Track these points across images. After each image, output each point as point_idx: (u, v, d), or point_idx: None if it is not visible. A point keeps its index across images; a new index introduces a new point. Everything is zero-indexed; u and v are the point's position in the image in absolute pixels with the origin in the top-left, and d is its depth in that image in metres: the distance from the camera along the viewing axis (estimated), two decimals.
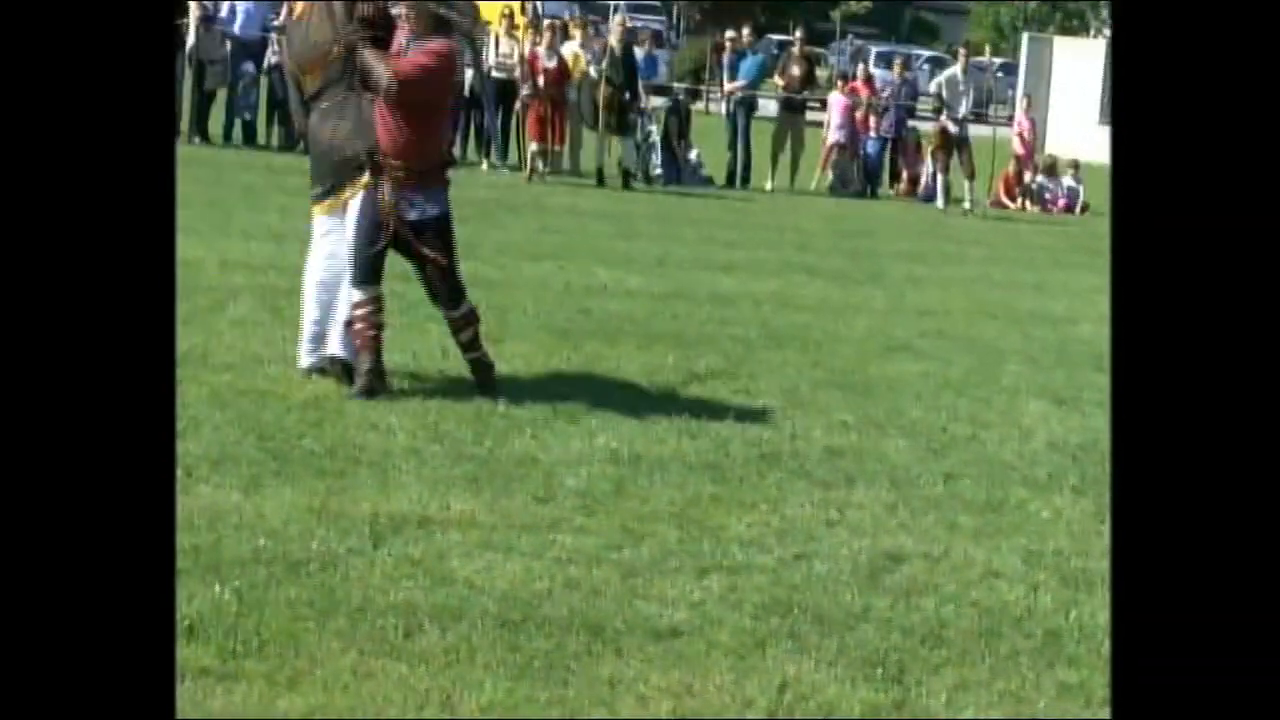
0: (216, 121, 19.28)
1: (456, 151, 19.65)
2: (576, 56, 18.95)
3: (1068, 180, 22.34)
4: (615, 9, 20.25)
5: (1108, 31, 36.76)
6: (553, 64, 18.42)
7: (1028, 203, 21.90)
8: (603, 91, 18.56)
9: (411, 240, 7.29)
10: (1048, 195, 22.17)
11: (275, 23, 19.20)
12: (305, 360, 7.53)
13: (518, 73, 18.83)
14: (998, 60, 37.25)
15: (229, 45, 19.24)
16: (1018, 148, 22.38)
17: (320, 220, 7.59)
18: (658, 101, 20.86)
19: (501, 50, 19.44)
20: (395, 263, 11.09)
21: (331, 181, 7.42)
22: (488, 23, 20.42)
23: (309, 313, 7.58)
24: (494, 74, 19.33)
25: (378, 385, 7.15)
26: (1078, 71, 35.07)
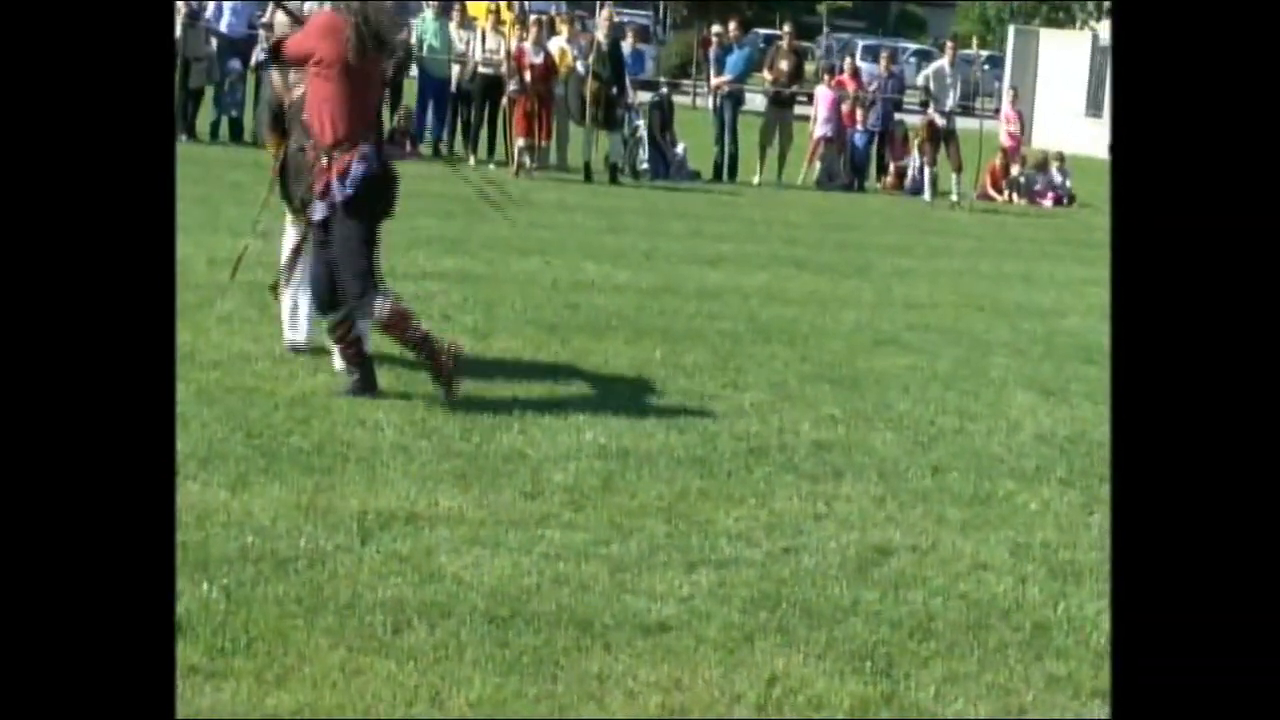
0: (204, 119, 19.25)
1: (443, 146, 19.74)
2: (563, 52, 18.95)
3: (1054, 174, 22.37)
4: (602, 4, 20.22)
5: (1093, 24, 36.80)
6: (539, 59, 18.41)
7: (1014, 195, 21.94)
8: (590, 86, 18.55)
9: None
10: (1036, 188, 22.20)
11: (263, 20, 19.17)
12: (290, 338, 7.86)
13: (504, 68, 18.82)
14: (984, 53, 37.29)
15: (214, 43, 19.22)
16: (1004, 140, 22.42)
17: (290, 228, 7.78)
18: (644, 96, 20.86)
19: (488, 46, 19.43)
20: (383, 259, 11.08)
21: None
22: (474, 18, 20.42)
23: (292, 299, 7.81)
24: (481, 69, 19.32)
25: (368, 386, 7.13)
26: (1064, 63, 35.14)
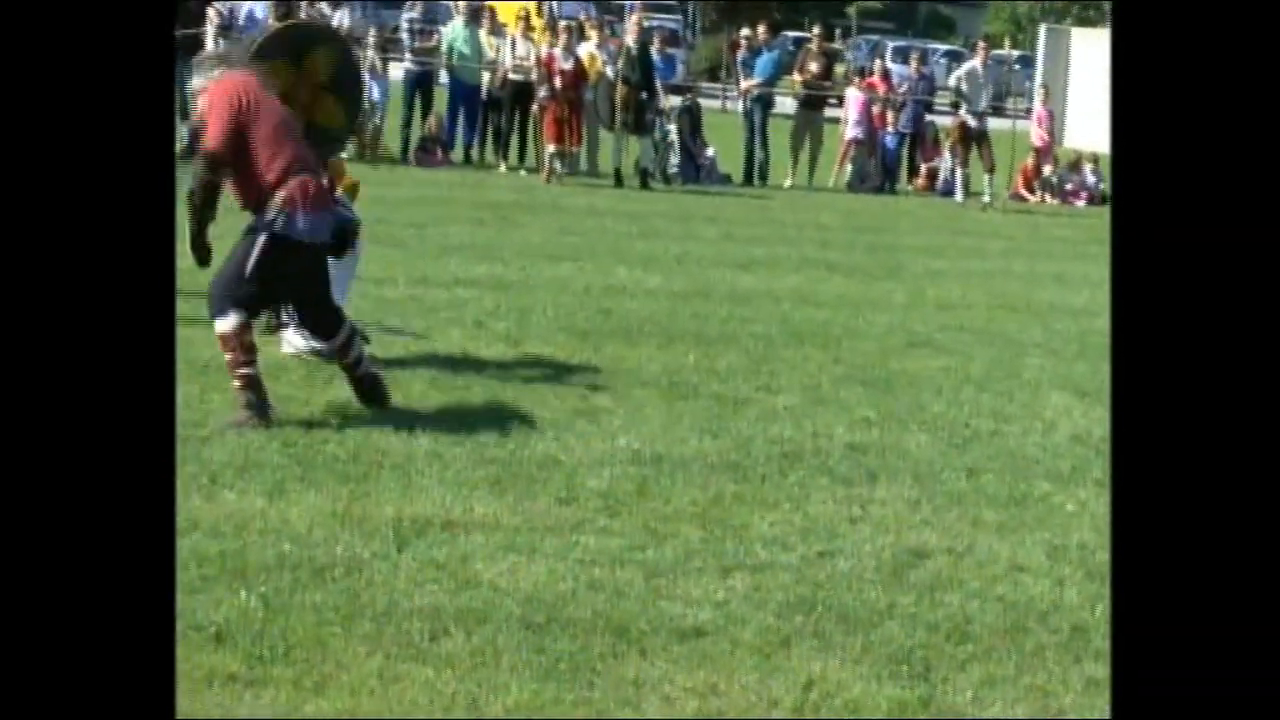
0: None
1: (474, 153, 19.79)
2: (593, 57, 18.97)
3: (1086, 174, 22.27)
4: (631, 9, 20.23)
5: None
6: (569, 65, 18.44)
7: (1047, 195, 21.85)
8: (620, 91, 18.57)
9: None
10: (1068, 188, 22.11)
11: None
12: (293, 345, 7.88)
13: (534, 74, 18.85)
14: (1015, 52, 37.17)
15: None
16: (1036, 140, 22.33)
17: None
18: (675, 100, 20.85)
19: (518, 52, 19.46)
20: (415, 267, 11.15)
21: None
22: (504, 25, 20.45)
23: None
24: (511, 76, 19.36)
25: (378, 400, 7.03)
26: (1095, 62, 34.95)
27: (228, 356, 6.69)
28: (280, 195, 6.63)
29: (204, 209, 6.81)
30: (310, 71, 7.67)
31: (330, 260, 7.12)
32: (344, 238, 7.00)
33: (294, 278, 6.85)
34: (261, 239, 6.65)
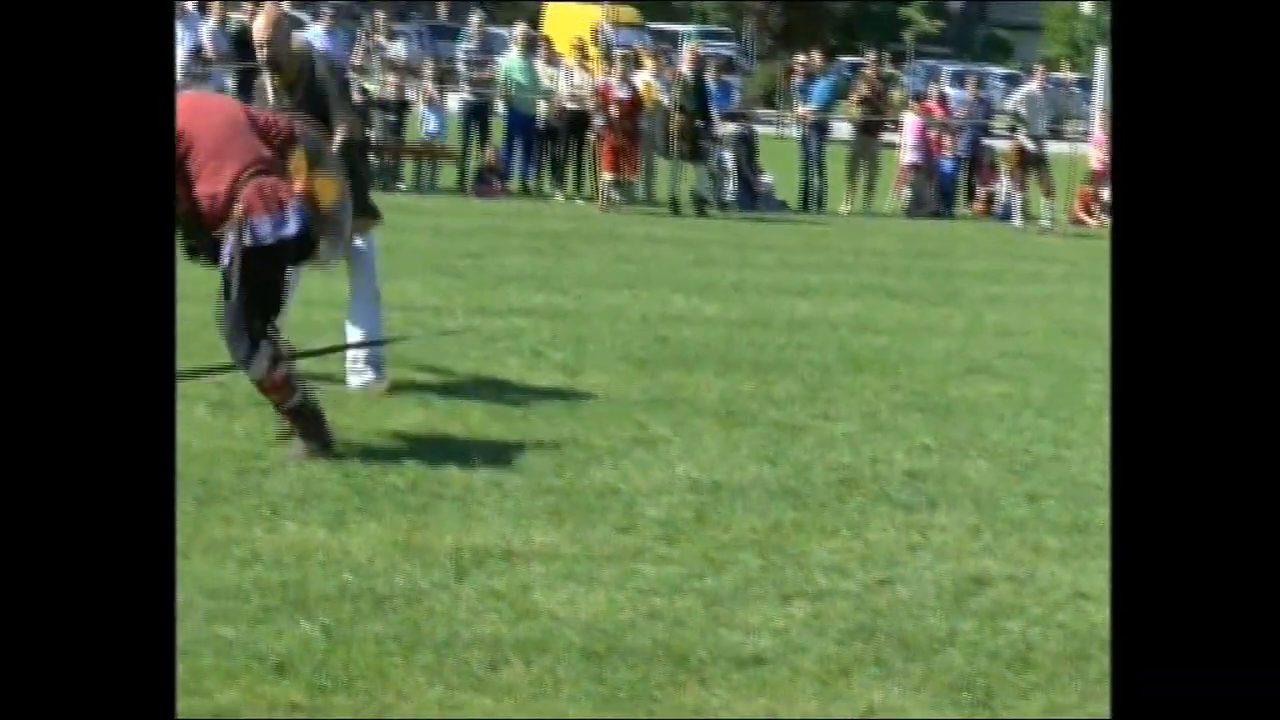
0: None
1: (530, 183, 19.90)
2: (649, 86, 19.05)
3: None
4: (687, 36, 20.31)
5: None
6: (625, 94, 18.52)
7: (1106, 218, 21.72)
8: (676, 119, 18.64)
9: None
10: None
11: (355, 61, 19.43)
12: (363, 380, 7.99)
13: (590, 104, 18.95)
14: (1073, 75, 37.00)
15: None
16: (1095, 163, 22.20)
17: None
18: (731, 128, 20.90)
19: (574, 82, 19.57)
20: (473, 297, 11.20)
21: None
22: (559, 54, 20.57)
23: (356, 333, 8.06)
24: (567, 105, 19.46)
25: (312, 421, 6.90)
26: None
27: (270, 399, 6.71)
28: (238, 207, 6.46)
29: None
30: (295, 170, 7.45)
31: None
32: (311, 235, 6.77)
33: (278, 279, 6.73)
34: (236, 262, 6.49)
